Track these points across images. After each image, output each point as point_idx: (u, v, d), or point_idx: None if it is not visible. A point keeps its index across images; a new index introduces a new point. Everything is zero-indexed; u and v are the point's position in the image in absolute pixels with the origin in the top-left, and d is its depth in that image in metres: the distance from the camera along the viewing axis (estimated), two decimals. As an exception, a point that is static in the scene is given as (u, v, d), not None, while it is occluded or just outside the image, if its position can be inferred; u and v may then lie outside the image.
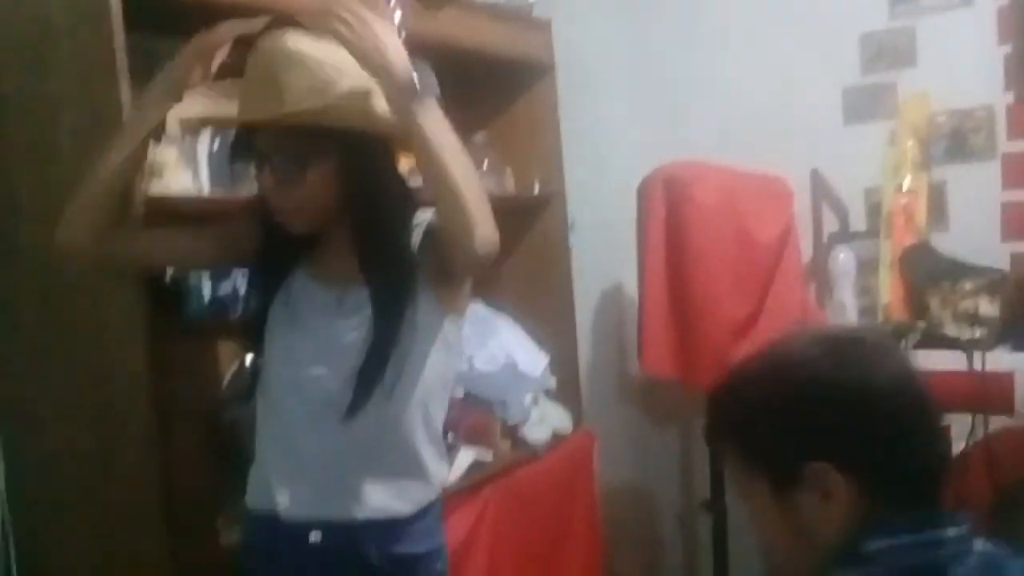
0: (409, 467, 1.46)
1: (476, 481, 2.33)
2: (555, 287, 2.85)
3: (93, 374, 1.70)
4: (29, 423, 1.83)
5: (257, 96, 1.33)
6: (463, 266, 1.42)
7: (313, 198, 1.38)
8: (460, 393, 2.47)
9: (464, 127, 2.73)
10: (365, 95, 1.33)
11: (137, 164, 1.44)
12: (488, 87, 2.82)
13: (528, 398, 2.60)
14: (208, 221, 1.56)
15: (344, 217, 1.43)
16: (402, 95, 1.26)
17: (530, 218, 2.86)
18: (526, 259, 2.88)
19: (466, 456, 2.36)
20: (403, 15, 2.22)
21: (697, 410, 2.93)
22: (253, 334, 1.49)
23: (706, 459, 2.93)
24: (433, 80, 2.06)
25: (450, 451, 2.36)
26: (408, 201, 1.50)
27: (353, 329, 1.41)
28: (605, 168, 3.15)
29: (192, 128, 1.56)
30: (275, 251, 1.49)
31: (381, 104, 1.34)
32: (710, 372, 2.70)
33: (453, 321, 1.51)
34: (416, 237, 1.46)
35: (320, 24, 1.28)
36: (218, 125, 1.60)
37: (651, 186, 2.79)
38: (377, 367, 1.39)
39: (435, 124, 1.28)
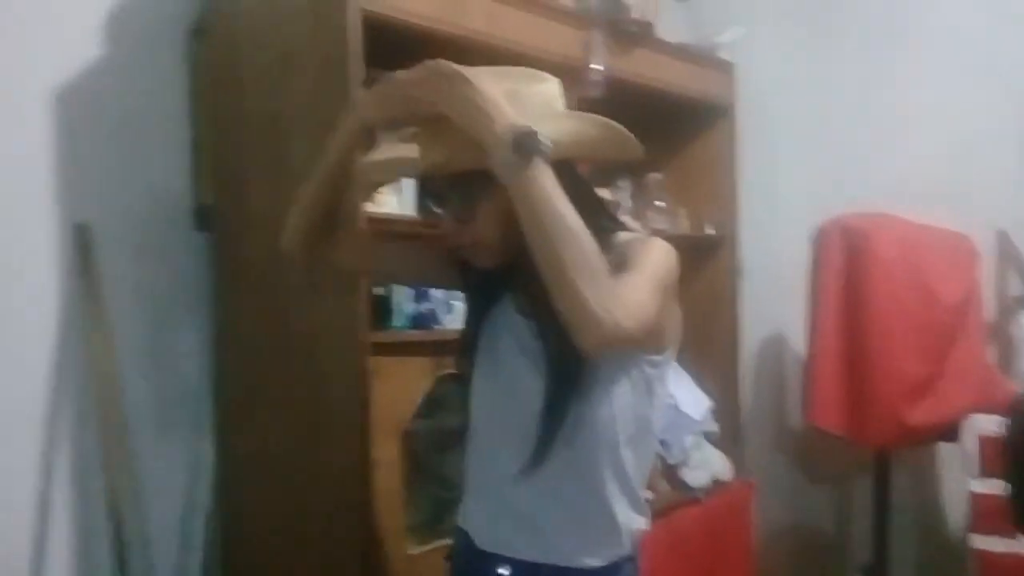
0: (598, 518, 1.39)
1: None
2: (722, 331, 2.83)
3: (308, 381, 1.81)
4: (242, 423, 1.97)
5: (426, 144, 1.33)
6: (588, 353, 1.27)
7: (486, 234, 1.35)
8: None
9: (641, 165, 2.79)
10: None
11: (334, 179, 1.45)
12: (667, 126, 2.84)
13: (689, 440, 2.58)
14: (419, 241, 1.63)
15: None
16: (505, 155, 1.17)
17: (701, 259, 2.86)
18: (694, 300, 2.84)
19: (626, 492, 2.37)
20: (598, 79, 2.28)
21: (861, 468, 2.89)
22: (463, 357, 1.49)
23: (869, 519, 2.83)
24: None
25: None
26: (591, 222, 1.31)
27: (534, 368, 1.36)
28: (778, 213, 3.11)
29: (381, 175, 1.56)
30: (479, 279, 1.48)
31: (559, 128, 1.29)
32: (882, 431, 2.62)
33: (648, 363, 1.40)
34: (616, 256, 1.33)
35: (423, 88, 1.25)
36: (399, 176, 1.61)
37: (828, 234, 2.74)
38: (554, 416, 1.33)
39: (542, 191, 1.16)
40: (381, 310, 1.85)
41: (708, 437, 2.67)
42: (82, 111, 1.87)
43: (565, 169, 1.31)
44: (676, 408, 2.53)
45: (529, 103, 1.29)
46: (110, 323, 1.85)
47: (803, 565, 3.17)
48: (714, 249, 2.85)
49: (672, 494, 2.50)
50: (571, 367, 1.31)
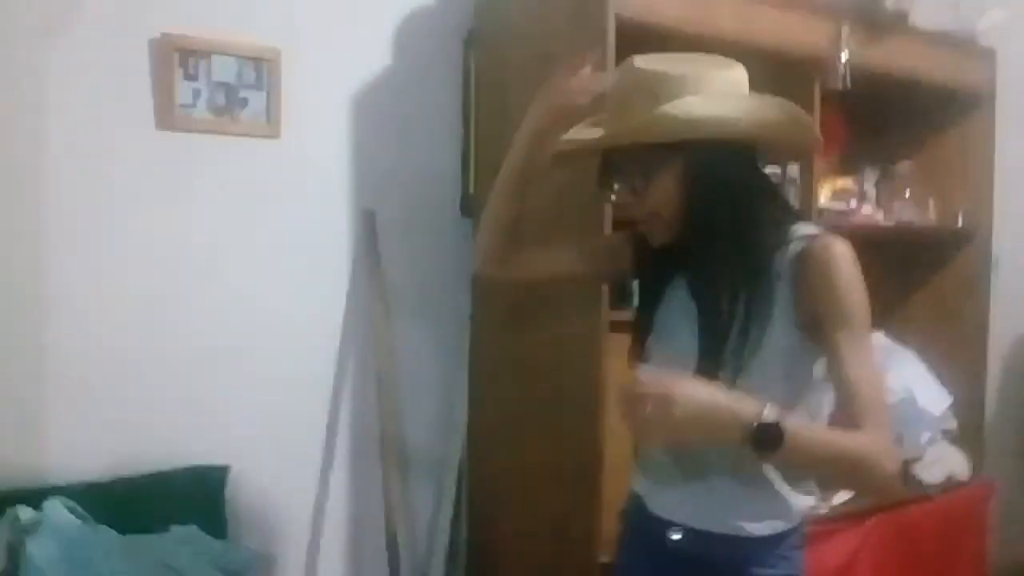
0: (761, 491, 1.44)
1: (863, 509, 2.34)
2: (968, 325, 2.74)
3: (550, 355, 2.02)
4: (491, 389, 2.22)
5: (615, 119, 1.41)
6: None
7: (661, 205, 1.39)
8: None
9: (889, 155, 2.75)
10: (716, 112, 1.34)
11: (516, 195, 1.54)
12: (919, 115, 2.77)
13: (925, 436, 2.54)
14: (591, 238, 1.72)
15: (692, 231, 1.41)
16: (751, 444, 1.19)
17: (950, 251, 2.78)
18: (940, 293, 2.80)
19: (855, 483, 2.39)
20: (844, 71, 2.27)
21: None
22: (637, 344, 1.54)
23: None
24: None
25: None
26: (765, 212, 1.42)
27: (693, 344, 1.41)
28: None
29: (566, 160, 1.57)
30: (650, 261, 1.53)
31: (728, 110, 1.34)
32: None
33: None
34: (791, 249, 1.38)
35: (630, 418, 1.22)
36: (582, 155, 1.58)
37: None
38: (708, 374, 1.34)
39: (802, 459, 1.23)
40: (620, 289, 1.99)
41: (946, 434, 2.62)
42: (372, 112, 2.16)
43: (744, 155, 1.39)
44: (913, 402, 2.51)
45: (715, 86, 1.36)
46: (388, 296, 2.14)
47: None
48: (965, 241, 2.76)
49: (904, 489, 2.49)
50: (723, 327, 1.36)
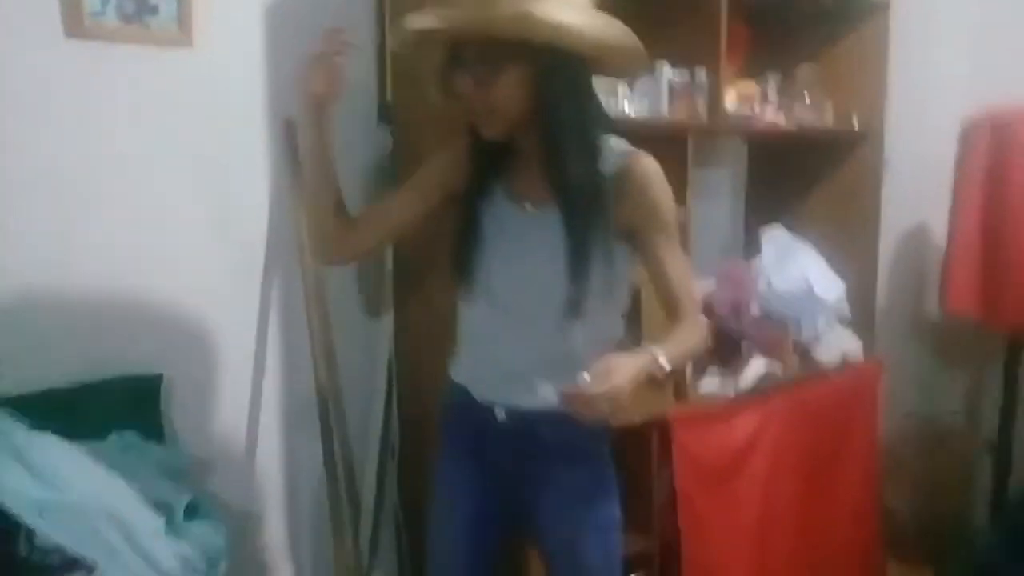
0: (574, 370, 1.54)
1: (766, 389, 2.54)
2: (861, 221, 2.91)
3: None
4: (416, 275, 2.28)
5: (466, 5, 1.45)
6: None
7: (506, 99, 1.49)
8: (756, 311, 2.67)
9: (790, 60, 2.87)
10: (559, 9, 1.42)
11: (325, 177, 1.62)
12: (819, 21, 2.88)
13: (821, 320, 2.73)
14: (415, 174, 1.72)
15: (536, 132, 1.53)
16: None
17: (845, 152, 2.92)
18: (836, 191, 2.95)
19: (758, 366, 2.57)
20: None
21: (992, 355, 2.97)
22: (461, 258, 1.64)
23: (996, 403, 2.94)
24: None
25: (744, 361, 2.60)
26: (599, 121, 1.58)
27: (541, 244, 1.55)
28: (927, 108, 3.13)
29: (418, 42, 1.57)
30: (477, 171, 1.64)
31: (574, 20, 1.44)
32: (1016, 315, 2.70)
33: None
34: (612, 165, 1.55)
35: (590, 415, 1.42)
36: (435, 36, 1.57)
37: (976, 129, 2.78)
38: (578, 280, 1.52)
39: (676, 360, 1.51)
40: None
41: (841, 319, 2.81)
42: (287, 18, 2.16)
43: (580, 67, 1.51)
44: (810, 291, 2.68)
45: None
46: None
47: (929, 446, 3.31)
48: (859, 142, 2.91)
49: (803, 370, 2.68)
50: (586, 237, 1.52)
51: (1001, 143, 2.65)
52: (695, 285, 1.66)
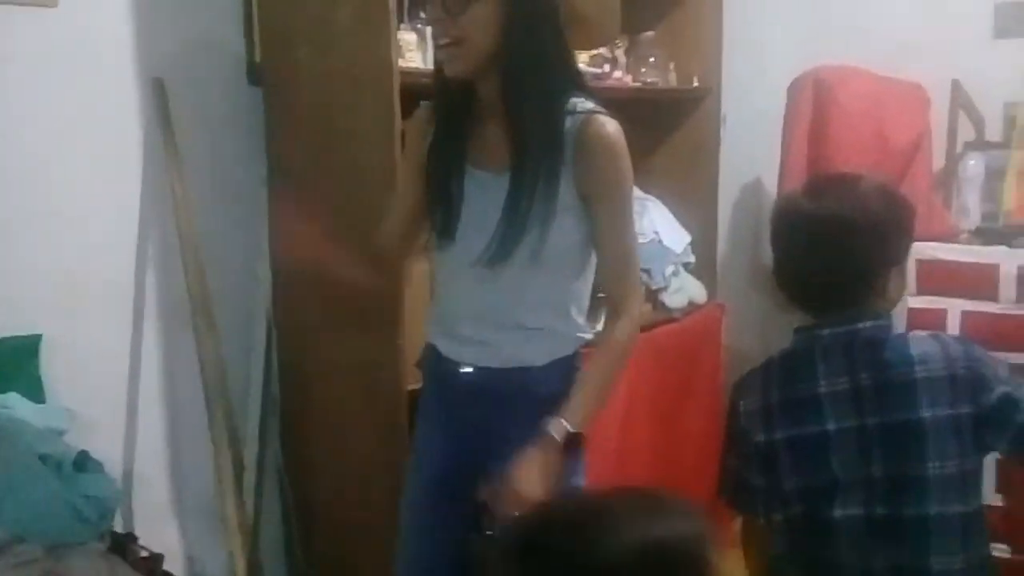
0: (540, 325, 1.62)
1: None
2: (702, 175, 3.15)
3: (349, 211, 2.15)
4: (290, 235, 2.32)
5: None
6: None
7: (473, 31, 1.47)
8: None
9: (637, 25, 3.06)
10: None
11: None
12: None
13: (669, 269, 2.95)
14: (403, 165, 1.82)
15: (498, 79, 1.52)
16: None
17: (687, 110, 3.15)
18: (680, 148, 3.18)
19: (614, 311, 2.77)
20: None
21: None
22: (439, 223, 1.65)
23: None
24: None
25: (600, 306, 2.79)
26: (564, 72, 1.56)
27: (496, 208, 1.55)
28: (761, 67, 3.39)
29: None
30: (442, 134, 1.64)
31: None
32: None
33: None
34: (572, 124, 1.53)
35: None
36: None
37: (800, 86, 3.07)
38: (511, 232, 1.51)
39: (589, 413, 1.57)
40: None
41: (686, 267, 3.05)
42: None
43: (552, 14, 1.50)
44: (659, 242, 2.91)
45: None
46: (183, 163, 2.21)
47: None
48: (699, 100, 3.14)
49: (653, 315, 2.91)
50: (531, 186, 1.51)
51: (821, 100, 2.94)
52: (635, 264, 1.66)
